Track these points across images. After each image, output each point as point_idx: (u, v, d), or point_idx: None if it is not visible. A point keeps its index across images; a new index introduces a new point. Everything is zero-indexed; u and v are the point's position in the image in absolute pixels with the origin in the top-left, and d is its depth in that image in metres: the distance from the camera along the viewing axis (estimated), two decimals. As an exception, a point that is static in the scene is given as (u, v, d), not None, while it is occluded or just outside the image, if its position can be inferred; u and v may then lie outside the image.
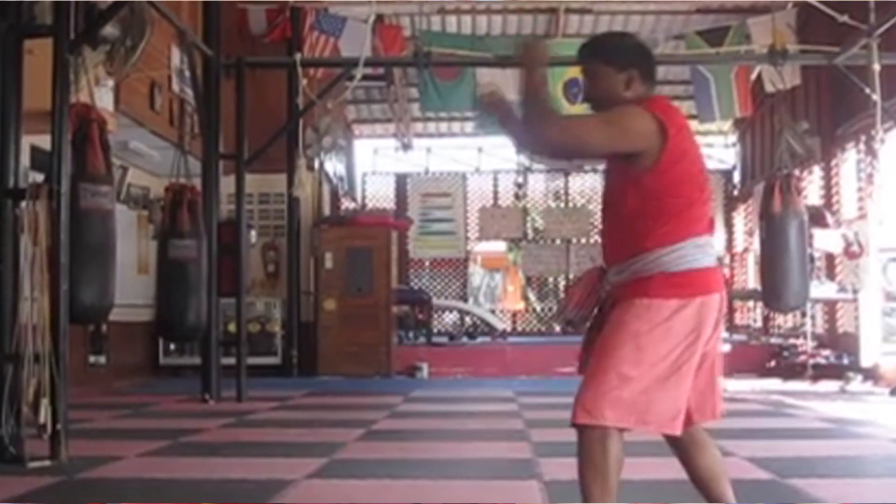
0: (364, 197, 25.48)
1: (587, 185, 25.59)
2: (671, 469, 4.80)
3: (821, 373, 15.51)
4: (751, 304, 22.63)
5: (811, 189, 18.12)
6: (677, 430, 4.30)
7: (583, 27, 20.53)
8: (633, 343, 4.23)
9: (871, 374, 14.85)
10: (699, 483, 4.55)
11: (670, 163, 4.26)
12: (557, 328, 23.93)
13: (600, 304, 4.58)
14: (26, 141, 8.44)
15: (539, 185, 25.89)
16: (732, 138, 25.75)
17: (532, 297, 26.55)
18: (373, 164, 26.55)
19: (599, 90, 4.52)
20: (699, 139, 17.44)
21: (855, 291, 15.79)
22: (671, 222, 4.29)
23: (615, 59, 4.49)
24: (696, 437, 4.51)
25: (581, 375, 4.37)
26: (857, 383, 14.50)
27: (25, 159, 8.80)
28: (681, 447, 4.53)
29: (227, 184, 13.67)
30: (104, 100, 10.76)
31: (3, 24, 7.99)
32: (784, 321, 19.85)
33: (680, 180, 4.31)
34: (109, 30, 9.76)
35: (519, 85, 4.41)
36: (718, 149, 26.62)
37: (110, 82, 11.47)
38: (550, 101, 4.48)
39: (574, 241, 24.56)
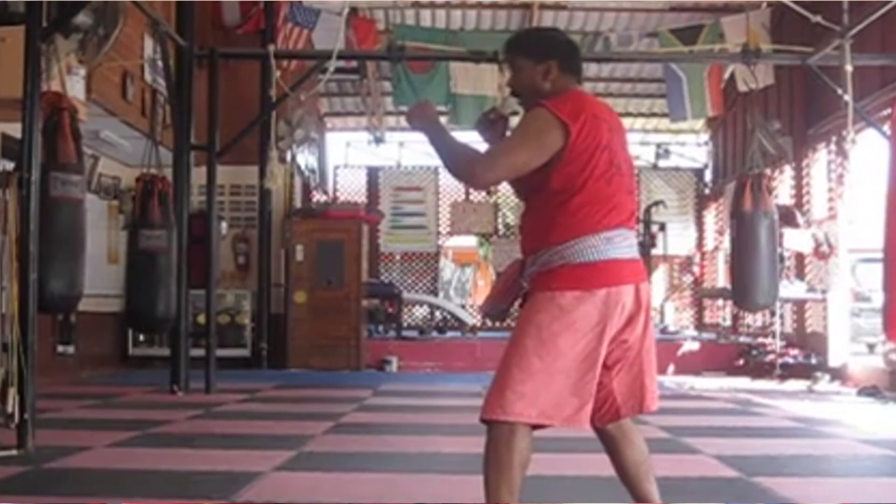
0: (336, 190, 25.46)
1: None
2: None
3: (789, 372, 15.59)
4: (720, 302, 22.70)
5: (782, 189, 18.21)
6: (583, 424, 4.31)
7: (557, 23, 20.53)
8: (536, 336, 4.27)
9: (838, 374, 14.93)
10: (625, 478, 4.58)
11: (571, 160, 4.30)
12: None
13: (522, 296, 4.59)
14: (-4, 129, 8.42)
15: (511, 180, 25.86)
16: (704, 137, 25.82)
17: (502, 292, 26.52)
18: (345, 157, 26.52)
19: (521, 82, 4.63)
20: (670, 138, 17.37)
21: (824, 291, 15.88)
22: (576, 216, 4.32)
23: (533, 51, 4.59)
24: (624, 430, 4.53)
25: None
26: (824, 383, 14.57)
27: (-5, 147, 8.77)
28: (608, 441, 4.56)
29: (198, 175, 13.64)
30: (76, 88, 10.71)
31: (-25, 12, 7.96)
32: (753, 320, 19.93)
33: (584, 175, 4.32)
34: (82, 18, 9.75)
35: (432, 145, 4.56)
36: (690, 147, 26.74)
37: (82, 71, 11.41)
38: (462, 146, 4.54)
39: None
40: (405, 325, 21.72)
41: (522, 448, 4.23)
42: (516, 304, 4.65)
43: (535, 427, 4.28)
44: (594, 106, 4.46)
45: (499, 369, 4.33)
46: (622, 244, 4.37)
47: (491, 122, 4.78)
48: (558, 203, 4.34)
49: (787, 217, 15.38)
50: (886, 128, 12.92)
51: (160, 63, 13.46)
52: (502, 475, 4.24)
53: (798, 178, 17.93)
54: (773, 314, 16.72)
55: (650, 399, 4.49)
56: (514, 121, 4.57)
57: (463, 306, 24.81)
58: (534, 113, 4.38)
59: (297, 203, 19.82)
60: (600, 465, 4.92)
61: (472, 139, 4.91)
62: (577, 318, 4.25)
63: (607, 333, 4.28)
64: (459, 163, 4.47)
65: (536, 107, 4.40)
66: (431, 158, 25.99)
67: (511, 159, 4.35)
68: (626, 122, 26.40)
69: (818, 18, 12.94)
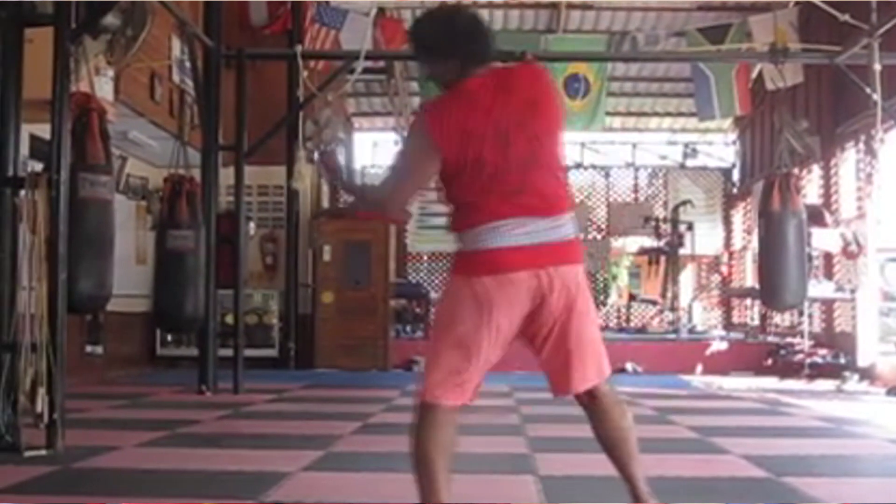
0: (363, 190, 25.43)
1: (586, 180, 25.63)
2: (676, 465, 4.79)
3: (817, 372, 15.52)
4: (748, 302, 22.63)
5: (810, 188, 18.12)
6: (456, 402, 4.52)
7: (584, 22, 20.57)
8: (435, 319, 4.74)
9: (867, 374, 14.86)
10: (606, 452, 4.68)
11: (448, 161, 4.43)
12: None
13: None
14: (26, 130, 8.43)
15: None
16: (732, 136, 25.73)
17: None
18: (372, 157, 26.52)
19: (432, 73, 4.76)
20: (697, 137, 17.26)
21: (852, 291, 15.81)
22: (461, 208, 4.52)
23: (432, 52, 4.70)
24: (600, 404, 4.62)
25: None
26: (853, 383, 14.51)
27: (25, 148, 8.79)
28: (588, 415, 4.67)
29: (226, 175, 13.65)
30: (104, 89, 10.76)
31: (4, 13, 7.98)
32: (781, 320, 19.85)
33: (457, 171, 4.44)
34: (110, 19, 9.78)
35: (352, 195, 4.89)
36: (718, 146, 26.66)
37: (110, 72, 11.47)
38: (368, 189, 5.06)
39: (572, 236, 24.49)
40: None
41: (440, 428, 4.62)
42: None
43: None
44: (465, 98, 4.51)
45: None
46: (511, 233, 4.41)
47: (323, 163, 5.27)
48: (451, 197, 4.54)
49: (816, 216, 15.32)
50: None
51: (188, 64, 13.51)
52: (425, 455, 4.72)
53: (826, 177, 17.86)
54: (801, 314, 16.64)
55: (578, 380, 4.55)
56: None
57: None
58: (411, 127, 4.73)
59: (325, 203, 19.87)
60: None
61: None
62: (458, 301, 4.46)
63: (492, 318, 4.40)
64: (371, 204, 4.86)
65: (418, 114, 4.77)
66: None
67: (399, 187, 4.68)
68: (653, 121, 26.45)
69: (846, 17, 12.92)
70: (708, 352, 17.95)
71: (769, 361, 17.16)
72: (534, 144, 4.46)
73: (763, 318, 21.01)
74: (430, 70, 4.74)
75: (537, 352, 4.57)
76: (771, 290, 13.22)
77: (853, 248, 15.76)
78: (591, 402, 4.59)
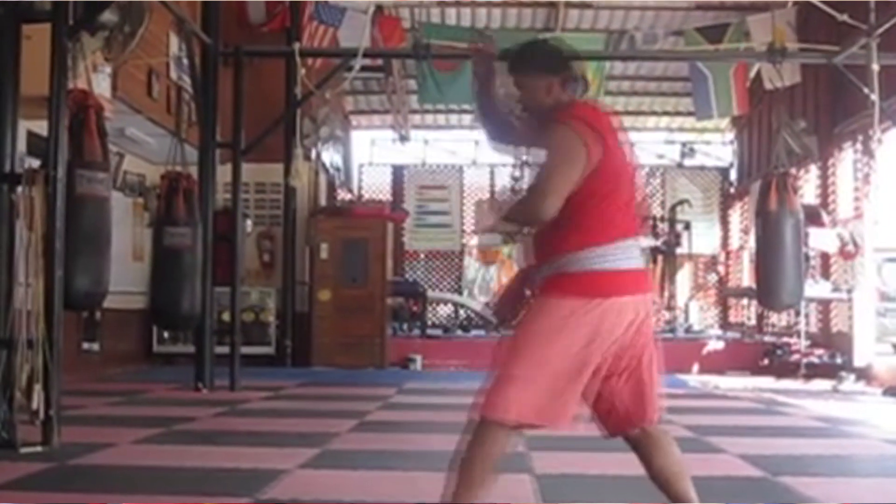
0: (360, 188, 25.46)
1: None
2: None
3: (814, 372, 15.52)
4: (745, 301, 22.63)
5: (807, 188, 18.13)
6: (571, 429, 4.39)
7: (582, 21, 20.55)
8: (533, 341, 4.33)
9: (863, 374, 14.86)
10: (658, 481, 4.57)
11: (588, 175, 4.34)
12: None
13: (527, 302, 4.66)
14: (23, 126, 8.44)
15: (536, 178, 25.84)
16: (730, 136, 25.74)
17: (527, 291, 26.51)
18: (370, 155, 26.50)
19: (527, 98, 4.68)
20: (695, 136, 17.36)
21: (849, 291, 15.80)
22: (582, 226, 4.38)
23: (535, 69, 4.64)
24: (652, 437, 4.53)
25: None
26: (849, 383, 14.50)
27: (22, 144, 8.78)
28: (638, 447, 4.57)
29: (223, 172, 13.66)
30: (101, 86, 10.75)
31: (2, 10, 7.97)
32: (778, 319, 19.86)
33: (598, 187, 4.37)
34: (108, 16, 9.76)
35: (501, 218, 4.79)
36: (716, 146, 26.66)
37: (108, 69, 11.45)
38: (513, 206, 4.82)
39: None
40: (429, 323, 21.66)
41: (507, 448, 4.37)
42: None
43: (519, 427, 4.37)
44: (598, 115, 4.52)
45: (497, 369, 4.38)
46: (623, 256, 4.40)
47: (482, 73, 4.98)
48: (564, 214, 4.35)
49: (813, 216, 15.32)
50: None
51: (185, 61, 13.50)
52: (487, 472, 4.35)
53: (824, 177, 17.86)
54: (797, 314, 16.64)
55: (651, 410, 4.49)
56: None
57: (487, 305, 24.76)
58: (559, 132, 4.42)
59: (322, 201, 19.85)
60: (622, 464, 4.91)
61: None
62: (573, 325, 4.30)
63: (603, 343, 4.31)
64: (522, 215, 4.61)
65: (557, 123, 4.45)
66: (456, 157, 26.15)
67: (562, 185, 4.35)
68: (651, 120, 26.45)
69: (845, 17, 12.94)
70: (704, 351, 17.95)
71: (766, 361, 17.16)
72: (632, 184, 4.55)
73: (760, 317, 21.02)
74: (527, 93, 4.66)
75: (609, 380, 4.42)
76: (768, 290, 13.23)
77: (850, 248, 15.76)
78: (643, 435, 4.50)
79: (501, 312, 4.87)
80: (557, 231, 4.41)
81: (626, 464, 4.76)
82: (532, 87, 4.61)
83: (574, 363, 4.27)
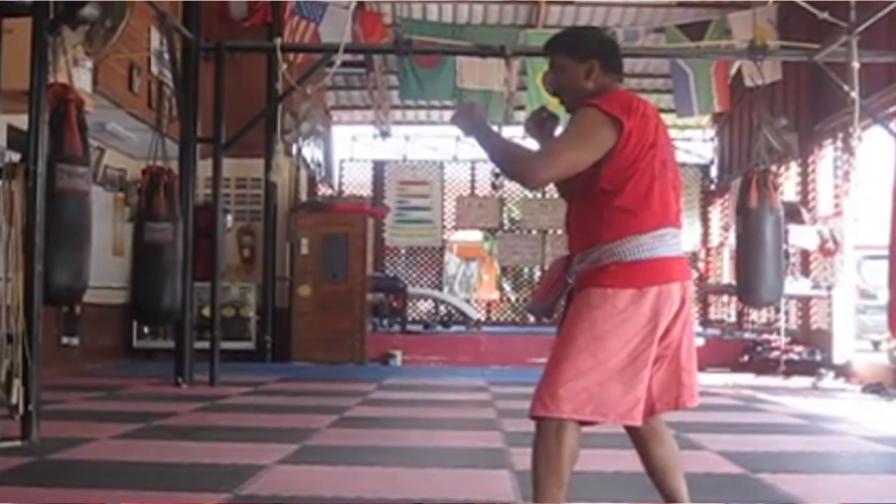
0: (341, 183, 25.43)
1: (563, 176, 25.63)
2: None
3: (793, 369, 15.56)
4: (725, 298, 22.68)
5: (788, 185, 18.17)
6: (637, 421, 4.29)
7: (564, 18, 20.57)
8: (588, 333, 4.24)
9: (843, 371, 14.93)
10: (654, 474, 4.55)
11: (622, 158, 4.28)
12: (531, 318, 23.95)
13: (568, 293, 4.56)
14: (3, 120, 8.43)
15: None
16: (710, 133, 25.81)
17: (507, 287, 26.58)
18: (351, 150, 26.51)
19: (563, 82, 4.60)
20: (675, 133, 17.30)
21: (829, 288, 15.87)
22: (628, 213, 4.31)
23: (575, 51, 4.57)
24: (655, 427, 4.51)
25: None
26: (829, 380, 14.57)
27: (2, 139, 8.78)
28: (639, 437, 4.53)
29: (204, 167, 13.65)
30: (82, 80, 10.73)
31: (-18, 3, 7.96)
32: (758, 316, 19.93)
33: (638, 173, 4.31)
34: (89, 10, 9.70)
35: (483, 147, 4.54)
36: (696, 143, 26.76)
37: (89, 63, 11.42)
38: (514, 145, 4.56)
39: (550, 231, 24.48)
40: (410, 319, 21.65)
41: (572, 443, 4.21)
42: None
43: (584, 423, 4.26)
44: (641, 104, 4.42)
45: (549, 365, 4.31)
46: (672, 242, 4.39)
47: (542, 121, 4.74)
48: (609, 201, 4.32)
49: (793, 213, 15.36)
50: (893, 125, 12.94)
51: (167, 55, 13.48)
52: (551, 470, 4.20)
53: (804, 174, 17.90)
54: (777, 311, 16.70)
55: (687, 395, 4.47)
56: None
57: (468, 301, 24.78)
58: (585, 111, 4.34)
59: (303, 196, 19.84)
60: (602, 461, 4.92)
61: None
62: (629, 315, 4.24)
63: (658, 331, 4.28)
64: (515, 162, 4.44)
65: (586, 106, 4.37)
66: (437, 153, 26.13)
67: (567, 156, 4.31)
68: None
69: (825, 15, 12.97)
70: (685, 348, 17.97)
71: (745, 358, 17.21)
72: (674, 176, 4.51)
73: (740, 314, 21.10)
74: (565, 77, 4.58)
75: (651, 366, 4.36)
76: (748, 287, 13.24)
77: (830, 245, 15.81)
78: (649, 427, 4.46)
79: (544, 304, 4.77)
80: (594, 220, 4.38)
81: (606, 460, 4.78)
82: (573, 70, 4.54)
83: (635, 354, 4.24)
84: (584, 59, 4.52)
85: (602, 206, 4.34)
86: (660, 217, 4.36)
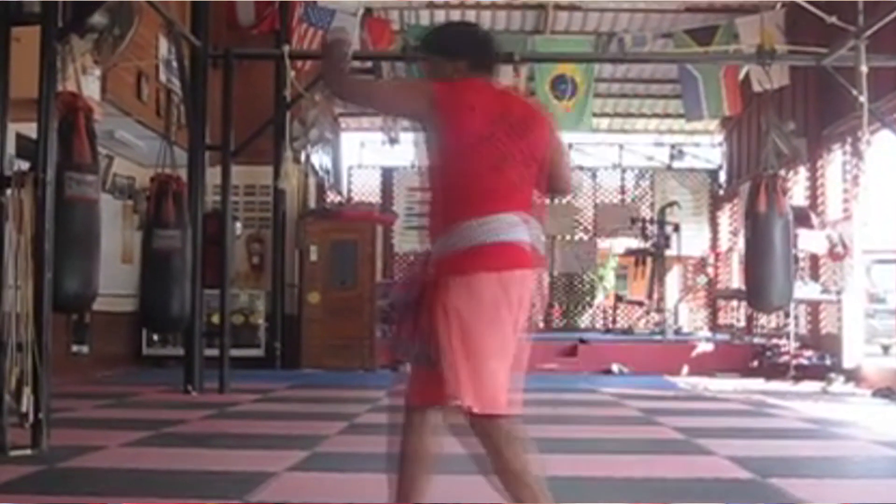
0: (350, 190, 25.41)
1: (572, 181, 25.62)
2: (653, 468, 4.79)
3: (803, 373, 15.54)
4: (734, 303, 22.66)
5: (797, 189, 18.13)
6: (509, 410, 4.34)
7: (571, 24, 20.57)
8: (457, 323, 4.26)
9: (853, 376, 14.89)
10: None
11: (450, 141, 4.40)
12: (541, 324, 23.94)
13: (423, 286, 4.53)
14: (12, 129, 8.41)
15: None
16: (719, 137, 25.77)
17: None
18: (359, 157, 26.48)
19: (432, 75, 4.73)
20: (683, 139, 17.27)
21: (838, 293, 15.84)
22: (467, 198, 4.38)
23: (446, 50, 4.71)
24: (438, 419, 4.74)
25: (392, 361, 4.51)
26: (839, 384, 14.53)
27: (11, 147, 8.76)
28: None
29: (212, 175, 13.66)
30: (91, 88, 10.75)
31: (-9, 12, 7.97)
32: (767, 321, 19.89)
33: (466, 158, 4.38)
34: (98, 18, 9.77)
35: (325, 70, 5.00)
36: (705, 148, 26.71)
37: (97, 71, 11.46)
38: (349, 77, 4.86)
39: (559, 237, 24.51)
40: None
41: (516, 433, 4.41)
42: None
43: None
44: (484, 97, 4.51)
45: (454, 362, 4.29)
46: (518, 229, 4.42)
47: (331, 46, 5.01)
48: (451, 185, 4.43)
49: (802, 218, 15.34)
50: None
51: (175, 63, 13.49)
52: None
53: (813, 178, 17.88)
54: (787, 315, 16.66)
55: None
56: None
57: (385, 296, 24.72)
58: (414, 81, 4.56)
59: (312, 203, 19.86)
60: (581, 466, 4.92)
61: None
62: (486, 299, 4.28)
63: (510, 314, 4.32)
64: (339, 79, 4.83)
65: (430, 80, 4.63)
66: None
67: (373, 94, 4.85)
68: (640, 122, 26.48)
69: (833, 19, 12.94)
70: (694, 353, 17.98)
71: (755, 363, 17.20)
72: (523, 169, 4.49)
73: (749, 319, 21.05)
74: (433, 68, 4.72)
75: None
76: (757, 292, 13.22)
77: (839, 249, 15.79)
78: (433, 413, 4.72)
79: (404, 297, 4.70)
80: (445, 203, 4.47)
81: (587, 465, 4.76)
82: (442, 66, 4.66)
83: (499, 337, 4.30)
84: (453, 57, 4.65)
85: (449, 189, 4.47)
86: (502, 203, 4.39)
